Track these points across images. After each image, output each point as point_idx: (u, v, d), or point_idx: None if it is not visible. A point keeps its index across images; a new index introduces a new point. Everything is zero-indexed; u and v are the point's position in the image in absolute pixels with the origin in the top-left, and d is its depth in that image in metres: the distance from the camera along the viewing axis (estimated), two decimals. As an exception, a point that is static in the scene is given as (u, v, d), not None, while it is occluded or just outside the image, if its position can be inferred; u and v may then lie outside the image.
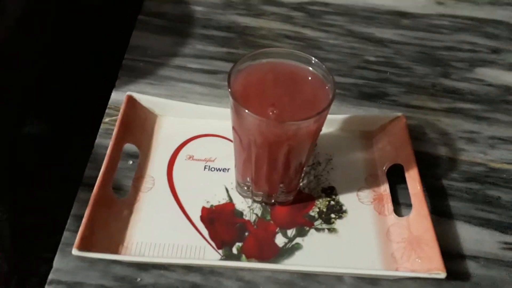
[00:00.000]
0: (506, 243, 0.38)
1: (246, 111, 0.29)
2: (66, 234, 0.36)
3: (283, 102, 0.31)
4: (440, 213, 0.39)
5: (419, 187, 0.37)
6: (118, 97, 0.45)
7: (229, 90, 0.30)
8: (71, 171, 0.46)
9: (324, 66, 0.32)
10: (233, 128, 0.33)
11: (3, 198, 0.51)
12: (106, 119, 0.43)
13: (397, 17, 0.59)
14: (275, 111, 0.30)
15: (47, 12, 0.50)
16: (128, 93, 0.42)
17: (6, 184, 0.52)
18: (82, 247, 0.32)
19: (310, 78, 0.32)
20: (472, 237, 0.38)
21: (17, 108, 0.51)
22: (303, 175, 0.39)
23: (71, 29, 0.53)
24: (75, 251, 0.32)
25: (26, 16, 0.47)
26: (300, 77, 0.32)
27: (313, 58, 0.32)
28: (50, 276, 0.34)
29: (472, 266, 0.36)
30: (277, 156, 0.33)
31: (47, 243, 0.54)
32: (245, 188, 0.38)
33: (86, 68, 0.55)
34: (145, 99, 0.42)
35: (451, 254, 0.37)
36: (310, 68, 0.32)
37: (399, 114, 0.43)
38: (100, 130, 0.42)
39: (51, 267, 0.34)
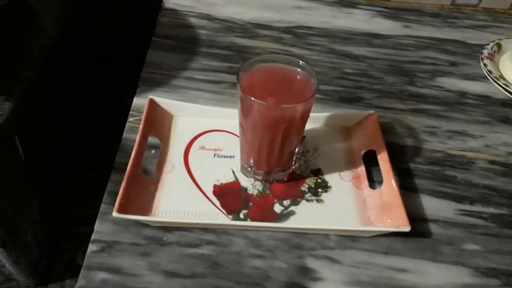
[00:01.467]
0: (461, 210, 0.47)
1: (252, 98, 0.38)
2: (103, 205, 0.44)
3: (279, 94, 0.41)
4: (408, 189, 0.48)
5: (388, 165, 0.46)
6: (139, 101, 0.54)
7: (238, 85, 0.40)
8: (93, 173, 0.54)
9: (309, 67, 0.41)
10: (240, 119, 0.42)
11: (35, 195, 0.59)
12: (130, 119, 0.52)
13: (370, 37, 0.69)
14: (273, 100, 0.40)
15: (78, 35, 0.59)
16: (150, 97, 0.51)
17: (37, 184, 0.59)
18: (121, 210, 0.40)
19: (298, 76, 0.42)
20: (433, 206, 0.47)
21: (49, 118, 0.60)
22: (294, 159, 0.48)
23: (96, 51, 0.62)
24: (115, 214, 0.40)
25: (60, 37, 0.57)
26: (291, 75, 0.42)
27: (301, 61, 0.41)
28: (93, 236, 0.41)
29: (433, 227, 0.45)
30: (274, 138, 0.42)
31: (71, 235, 0.61)
32: (249, 169, 0.46)
33: (107, 82, 0.64)
34: (163, 102, 0.51)
35: (416, 219, 0.46)
36: (299, 69, 0.42)
37: (372, 111, 0.52)
38: (126, 127, 0.51)
39: (73, 256, 0.41)
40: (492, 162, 0.52)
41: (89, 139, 0.64)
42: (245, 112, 0.41)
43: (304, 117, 0.42)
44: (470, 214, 0.47)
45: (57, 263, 0.61)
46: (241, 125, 0.43)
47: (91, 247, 0.41)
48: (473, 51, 0.68)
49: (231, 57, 0.62)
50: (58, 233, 0.61)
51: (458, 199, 0.48)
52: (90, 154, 0.63)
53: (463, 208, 0.47)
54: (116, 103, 0.57)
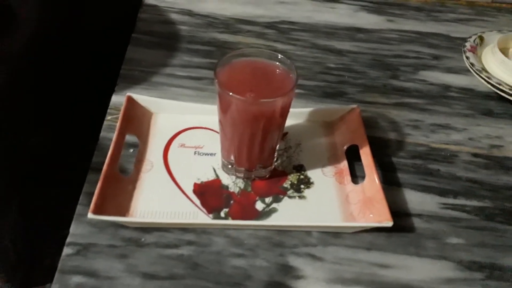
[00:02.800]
0: (444, 204, 0.47)
1: (230, 93, 0.38)
2: (79, 207, 0.43)
3: (258, 88, 0.40)
4: (391, 183, 0.48)
5: (370, 159, 0.46)
6: (117, 99, 0.52)
7: (216, 80, 0.39)
8: (73, 174, 0.52)
9: (288, 60, 0.41)
10: (219, 115, 0.42)
11: (14, 198, 0.58)
12: (108, 117, 0.51)
13: (354, 32, 0.69)
14: (252, 95, 0.39)
15: (52, 34, 0.57)
16: (128, 94, 0.49)
17: (17, 185, 0.58)
18: (96, 211, 0.39)
19: (278, 70, 0.41)
20: (416, 200, 0.47)
21: (25, 119, 0.58)
22: (276, 155, 0.47)
23: (75, 48, 0.61)
24: (90, 215, 0.39)
25: (37, 34, 0.55)
26: (270, 69, 0.41)
27: (279, 54, 0.41)
28: (68, 239, 0.40)
29: (416, 222, 0.45)
30: (255, 134, 0.41)
31: (52, 239, 0.60)
32: (229, 166, 0.46)
33: (87, 80, 0.62)
34: (142, 99, 0.50)
35: (400, 213, 0.45)
36: (278, 63, 0.41)
37: (355, 105, 0.51)
38: (103, 126, 0.50)
39: (54, 260, 0.40)
40: (475, 155, 0.52)
41: (70, 139, 0.63)
42: (223, 108, 0.40)
43: (284, 112, 0.41)
44: (454, 207, 0.46)
45: (37, 267, 0.60)
46: (220, 121, 0.42)
47: (66, 250, 0.40)
48: (456, 44, 0.68)
49: (213, 53, 0.61)
50: (39, 236, 0.60)
51: (442, 192, 0.48)
52: (71, 154, 0.62)
53: (446, 201, 0.47)
54: (97, 101, 0.55)
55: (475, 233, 0.44)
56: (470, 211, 0.46)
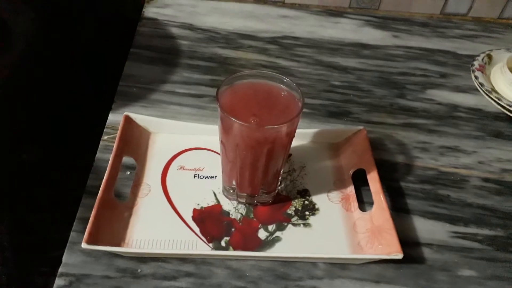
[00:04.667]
0: (455, 232, 0.45)
1: (233, 119, 0.36)
2: (73, 234, 0.40)
3: (262, 113, 0.38)
4: (399, 209, 0.46)
5: (378, 186, 0.44)
6: (114, 118, 0.50)
7: (218, 103, 0.37)
8: (67, 192, 0.50)
9: (294, 84, 0.39)
10: (221, 137, 0.40)
11: (4, 217, 0.55)
12: (104, 137, 0.49)
13: (359, 48, 0.67)
14: (256, 120, 0.37)
15: (49, 48, 0.55)
16: (125, 113, 0.47)
17: (7, 203, 0.56)
18: (90, 241, 0.37)
19: (283, 93, 0.39)
20: (426, 228, 0.44)
21: (19, 135, 0.56)
22: (280, 179, 0.45)
23: (72, 64, 0.59)
24: (84, 245, 0.36)
25: (32, 49, 0.53)
26: (275, 93, 0.39)
27: (285, 77, 0.39)
28: (60, 270, 0.38)
29: (426, 252, 0.43)
30: (258, 159, 0.39)
31: (43, 259, 0.58)
32: (231, 191, 0.43)
33: (82, 96, 0.60)
34: (140, 118, 0.48)
35: (409, 243, 0.43)
36: (283, 86, 0.39)
37: (361, 127, 0.49)
38: (100, 146, 0.48)
39: (47, 280, 0.38)
40: (486, 180, 0.50)
41: (64, 157, 0.60)
42: (226, 132, 0.38)
43: (290, 137, 0.39)
44: (464, 236, 0.44)
45: (30, 288, 0.57)
46: (222, 143, 0.40)
47: (58, 282, 0.37)
48: (463, 62, 0.66)
49: (214, 69, 0.60)
50: (30, 257, 0.58)
51: (452, 220, 0.46)
52: (65, 173, 0.59)
53: (457, 230, 0.45)
54: (94, 119, 0.53)
55: (487, 264, 0.42)
56: (482, 241, 0.44)
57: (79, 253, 0.39)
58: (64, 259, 0.39)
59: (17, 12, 0.54)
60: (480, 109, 0.59)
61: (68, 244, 0.40)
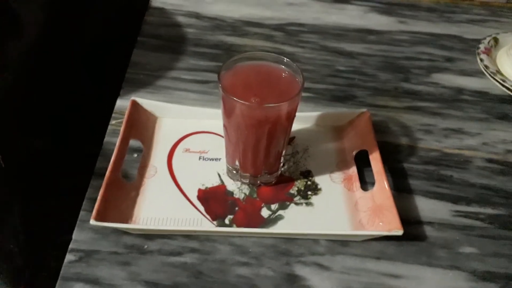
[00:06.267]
0: (456, 211, 0.45)
1: (234, 98, 0.37)
2: (82, 213, 0.42)
3: (263, 93, 0.39)
4: (401, 189, 0.46)
5: (380, 166, 0.44)
6: (122, 103, 0.52)
7: (220, 84, 0.38)
8: (77, 179, 0.52)
9: (294, 64, 0.39)
10: (223, 119, 0.41)
11: (16, 203, 0.57)
12: (112, 122, 0.50)
13: (364, 34, 0.67)
14: (257, 99, 0.38)
15: (61, 36, 0.57)
16: (132, 98, 0.49)
17: (18, 191, 0.57)
18: (98, 218, 0.38)
19: (283, 74, 0.40)
20: (428, 207, 0.45)
21: (29, 122, 0.58)
22: (283, 161, 0.46)
23: (81, 52, 0.60)
24: (92, 221, 0.38)
25: (41, 38, 0.55)
26: (275, 73, 0.40)
27: (285, 58, 0.40)
28: (71, 246, 0.40)
29: (428, 230, 0.43)
30: (259, 139, 0.40)
31: (56, 243, 0.59)
32: (234, 172, 0.45)
33: (92, 84, 0.62)
34: (146, 103, 0.49)
35: (411, 221, 0.44)
36: (283, 66, 0.40)
37: (364, 109, 0.50)
38: (108, 131, 0.49)
39: (60, 264, 0.39)
40: (490, 161, 0.50)
41: (73, 144, 0.62)
42: (228, 113, 0.39)
43: (290, 117, 0.40)
44: (467, 215, 0.45)
45: (43, 271, 0.59)
46: (224, 126, 0.41)
47: (69, 257, 0.39)
48: (470, 46, 0.66)
49: (219, 56, 0.61)
50: (43, 241, 0.59)
51: (454, 199, 0.46)
52: (75, 159, 0.61)
53: (459, 209, 0.45)
54: (102, 106, 0.55)
55: (489, 242, 0.43)
56: (484, 219, 0.44)
57: (88, 230, 0.40)
58: (74, 236, 0.40)
59: (26, 2, 0.55)
60: (486, 92, 0.59)
61: (78, 222, 0.41)
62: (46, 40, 0.56)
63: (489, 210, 0.45)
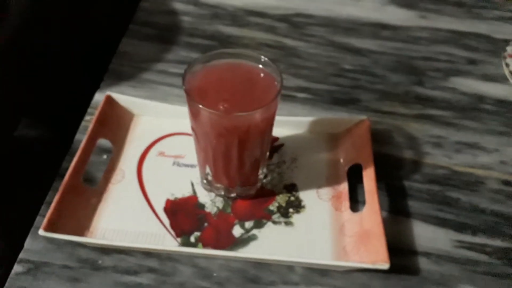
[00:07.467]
0: (460, 241, 0.39)
1: (199, 105, 0.32)
2: (38, 218, 0.39)
3: (235, 98, 0.34)
4: (398, 212, 0.41)
5: (373, 184, 0.39)
6: (100, 98, 0.48)
7: (184, 87, 0.33)
8: (42, 178, 0.48)
9: (273, 64, 0.34)
10: (191, 122, 0.36)
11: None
12: (87, 118, 0.46)
13: (378, 28, 0.61)
14: (225, 105, 0.33)
15: (45, 20, 0.53)
16: (107, 93, 0.45)
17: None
18: (49, 228, 0.35)
19: (261, 75, 0.35)
20: (426, 235, 0.39)
21: (11, 111, 0.54)
22: (266, 172, 0.41)
23: (66, 34, 0.56)
24: (41, 232, 0.34)
25: (26, 21, 0.51)
26: (251, 75, 0.35)
27: (263, 57, 0.34)
28: (20, 256, 0.36)
29: (423, 262, 0.38)
30: (230, 148, 0.35)
31: (8, 248, 0.55)
32: (204, 181, 0.40)
33: (76, 72, 0.58)
34: (123, 99, 0.45)
35: (404, 250, 0.38)
36: (261, 66, 0.35)
37: (364, 117, 0.44)
38: (80, 127, 0.45)
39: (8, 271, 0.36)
40: (505, 183, 0.44)
41: (49, 138, 0.58)
42: (194, 118, 0.35)
43: (267, 125, 0.35)
44: (471, 247, 0.39)
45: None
46: (193, 129, 0.37)
47: (16, 268, 0.36)
48: (498, 47, 0.58)
49: (213, 48, 0.53)
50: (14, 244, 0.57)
51: (458, 227, 0.40)
52: (45, 155, 0.57)
53: (463, 239, 0.39)
54: (84, 99, 0.51)
55: (493, 281, 0.37)
56: (490, 253, 0.38)
57: (42, 239, 0.37)
58: (26, 244, 0.37)
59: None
60: (511, 101, 0.52)
61: (32, 229, 0.38)
62: (30, 24, 0.52)
63: (498, 243, 0.39)
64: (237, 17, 0.60)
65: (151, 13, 0.60)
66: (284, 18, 0.61)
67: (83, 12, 0.60)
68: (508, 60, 0.52)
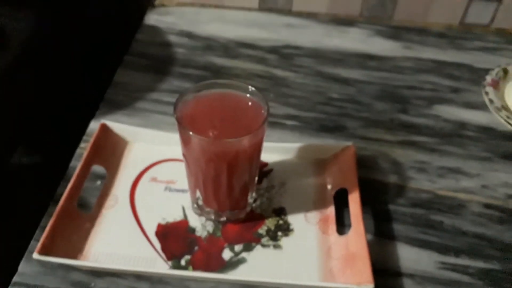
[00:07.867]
0: (443, 263, 0.40)
1: (190, 132, 0.34)
2: (32, 243, 0.39)
3: (224, 125, 0.35)
4: (383, 235, 0.42)
5: (358, 208, 0.40)
6: (96, 126, 0.49)
7: (175, 115, 0.35)
8: (38, 203, 0.49)
9: (260, 94, 0.36)
10: (182, 148, 0.38)
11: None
12: (82, 145, 0.48)
13: (364, 59, 0.63)
14: (215, 132, 0.35)
15: (45, 50, 0.55)
16: (102, 121, 0.46)
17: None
18: (43, 252, 0.36)
19: (249, 103, 0.37)
20: (411, 257, 0.40)
21: (8, 139, 0.56)
22: (255, 196, 0.43)
23: (63, 66, 0.59)
24: (35, 255, 0.35)
25: (25, 52, 0.53)
26: (240, 103, 0.37)
27: (250, 87, 0.36)
28: (14, 279, 0.37)
29: (407, 283, 0.39)
30: (220, 173, 0.37)
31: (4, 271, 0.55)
32: (195, 205, 0.41)
33: (72, 101, 0.60)
34: (117, 127, 0.47)
35: (388, 272, 0.39)
36: (249, 96, 0.37)
37: (350, 143, 0.46)
38: (75, 154, 0.47)
39: None
40: (488, 206, 0.45)
41: (45, 164, 0.59)
42: (185, 144, 0.36)
43: (255, 151, 0.37)
44: (454, 268, 0.40)
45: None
46: (184, 155, 0.38)
47: (10, 291, 0.36)
48: (479, 76, 0.61)
49: (206, 78, 0.56)
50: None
51: (442, 249, 0.41)
52: (41, 181, 0.58)
53: (446, 260, 0.40)
54: (80, 126, 0.52)
55: (477, 302, 0.38)
56: (473, 274, 0.40)
57: (36, 263, 0.38)
58: (20, 268, 0.38)
59: (15, 17, 0.54)
60: (492, 128, 0.54)
61: (26, 253, 0.39)
62: (31, 53, 0.54)
63: (480, 264, 0.40)
64: (229, 48, 0.63)
65: (146, 44, 0.62)
66: (274, 50, 0.64)
67: (81, 44, 0.62)
68: (488, 89, 0.54)
